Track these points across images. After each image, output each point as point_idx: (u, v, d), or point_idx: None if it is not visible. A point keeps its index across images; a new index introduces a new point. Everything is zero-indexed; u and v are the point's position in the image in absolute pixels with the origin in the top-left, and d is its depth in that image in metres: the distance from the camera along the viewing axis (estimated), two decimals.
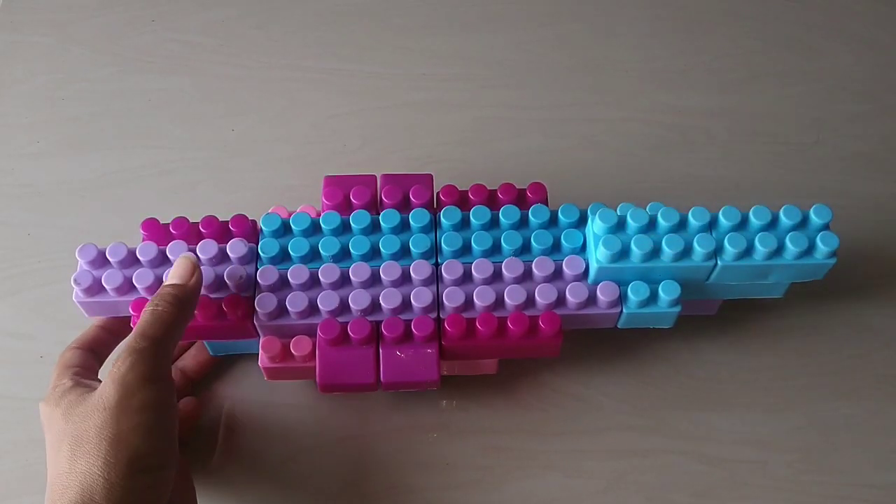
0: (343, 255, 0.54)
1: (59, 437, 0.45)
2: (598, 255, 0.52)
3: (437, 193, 0.57)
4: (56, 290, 0.63)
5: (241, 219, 0.55)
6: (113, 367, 0.46)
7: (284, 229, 0.55)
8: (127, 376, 0.45)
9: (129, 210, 0.67)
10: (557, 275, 0.54)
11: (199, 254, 0.53)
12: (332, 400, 0.58)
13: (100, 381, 0.49)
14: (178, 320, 0.49)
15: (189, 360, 0.58)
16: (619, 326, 0.55)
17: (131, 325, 0.52)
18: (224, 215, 0.56)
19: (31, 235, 0.66)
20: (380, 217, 0.55)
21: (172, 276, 0.50)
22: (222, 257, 0.53)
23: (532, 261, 0.54)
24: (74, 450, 0.44)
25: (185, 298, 0.49)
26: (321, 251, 0.53)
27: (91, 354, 0.53)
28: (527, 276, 0.54)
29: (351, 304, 0.52)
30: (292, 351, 0.52)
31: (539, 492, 0.55)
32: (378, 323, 0.52)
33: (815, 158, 0.70)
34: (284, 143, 0.72)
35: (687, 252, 0.52)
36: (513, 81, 0.75)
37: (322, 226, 0.54)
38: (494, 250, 0.54)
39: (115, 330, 0.55)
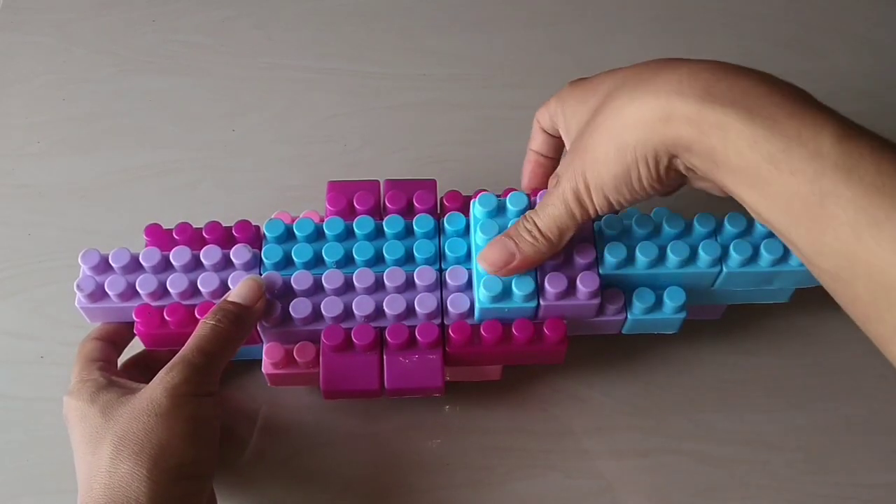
0: (347, 261, 0.54)
1: (97, 435, 0.46)
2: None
3: (441, 199, 0.57)
4: (56, 290, 0.63)
5: (244, 224, 0.55)
6: (166, 375, 0.47)
7: (288, 235, 0.54)
8: (180, 388, 0.46)
9: (129, 210, 0.67)
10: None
11: (202, 260, 0.53)
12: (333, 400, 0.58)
13: (128, 380, 0.50)
14: (236, 339, 0.50)
15: None
16: (623, 332, 0.55)
17: (134, 331, 0.53)
18: (224, 215, 0.56)
19: (31, 235, 0.66)
20: (384, 223, 0.55)
21: (237, 296, 0.50)
22: (226, 263, 0.53)
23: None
24: (119, 450, 0.44)
25: (246, 319, 0.50)
26: (325, 257, 0.53)
27: (111, 346, 0.54)
28: None
29: (355, 311, 0.52)
30: (296, 357, 0.52)
31: (539, 492, 0.56)
32: (382, 329, 0.52)
33: None
34: (284, 143, 0.72)
35: (692, 258, 0.52)
36: (513, 81, 0.75)
37: (326, 232, 0.54)
38: None
39: (126, 324, 0.55)
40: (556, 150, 0.57)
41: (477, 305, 0.52)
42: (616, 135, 0.44)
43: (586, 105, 0.48)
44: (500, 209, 0.53)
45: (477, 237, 0.52)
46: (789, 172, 0.38)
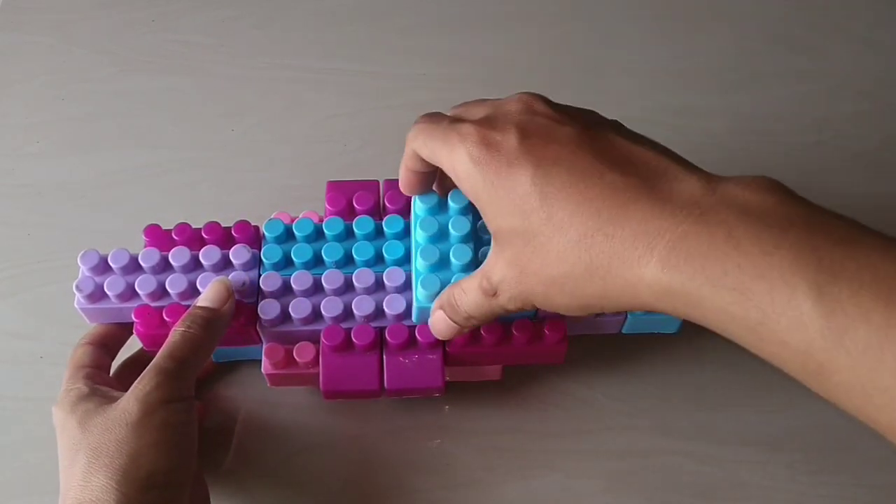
0: (346, 261, 0.54)
1: (75, 446, 0.45)
2: None
3: (383, 199, 0.57)
4: (56, 290, 0.63)
5: (243, 225, 0.55)
6: (138, 384, 0.46)
7: (287, 235, 0.55)
8: (151, 395, 0.46)
9: (129, 210, 0.67)
10: None
11: (202, 260, 0.53)
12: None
13: (114, 388, 0.50)
14: (207, 343, 0.49)
15: None
16: (623, 332, 0.55)
17: (134, 331, 0.53)
18: (224, 215, 0.56)
19: (31, 235, 0.66)
20: (383, 223, 0.55)
21: (205, 300, 0.50)
22: (225, 263, 0.53)
23: None
24: (91, 462, 0.44)
25: (215, 323, 0.50)
26: (324, 257, 0.53)
27: (103, 350, 0.54)
28: None
29: (354, 311, 0.52)
30: (296, 357, 0.52)
31: (539, 492, 0.56)
32: (382, 329, 0.52)
33: (815, 158, 0.70)
34: (284, 143, 0.72)
35: None
36: (513, 81, 0.75)
37: (325, 231, 0.54)
38: None
39: (125, 325, 0.55)
40: (434, 165, 0.48)
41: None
42: (578, 298, 0.41)
43: (520, 214, 0.41)
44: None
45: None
46: (777, 344, 0.35)
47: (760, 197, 0.37)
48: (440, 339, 0.51)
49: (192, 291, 0.52)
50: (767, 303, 0.35)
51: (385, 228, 0.54)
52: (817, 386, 0.36)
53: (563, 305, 0.42)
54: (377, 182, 0.58)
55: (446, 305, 0.48)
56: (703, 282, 0.36)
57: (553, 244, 0.40)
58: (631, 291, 0.39)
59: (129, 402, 0.46)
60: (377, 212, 0.56)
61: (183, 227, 0.55)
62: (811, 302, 0.34)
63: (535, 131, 0.42)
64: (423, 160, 0.48)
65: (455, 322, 0.48)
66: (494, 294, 0.44)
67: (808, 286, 0.34)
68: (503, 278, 0.43)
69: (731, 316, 0.36)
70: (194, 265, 0.53)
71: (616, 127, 0.44)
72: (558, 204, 0.40)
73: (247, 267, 0.53)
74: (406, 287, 0.53)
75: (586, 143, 0.41)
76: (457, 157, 0.43)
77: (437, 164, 0.46)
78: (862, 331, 0.33)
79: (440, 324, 0.49)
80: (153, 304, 0.52)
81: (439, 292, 0.50)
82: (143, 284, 0.52)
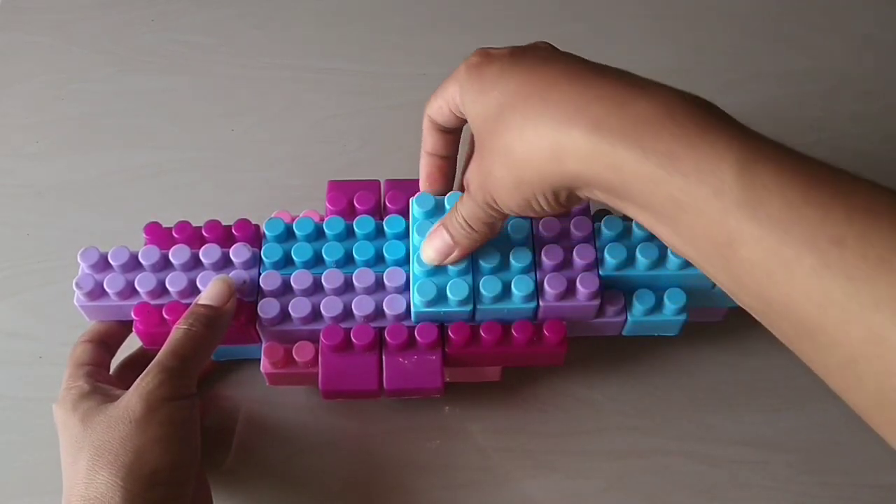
0: (347, 261, 0.54)
1: (77, 444, 0.45)
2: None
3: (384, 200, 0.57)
4: (56, 291, 0.63)
5: (244, 223, 0.55)
6: (141, 381, 0.46)
7: (288, 234, 0.54)
8: (154, 392, 0.46)
9: (128, 210, 0.67)
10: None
11: (202, 258, 0.53)
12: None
13: (114, 386, 0.50)
14: (210, 341, 0.49)
15: None
16: (624, 334, 0.55)
17: (133, 329, 0.53)
18: (224, 215, 0.56)
19: (30, 235, 0.66)
20: (384, 223, 0.55)
21: (207, 297, 0.50)
22: (225, 262, 0.53)
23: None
24: (95, 460, 0.44)
25: (217, 321, 0.50)
26: (325, 257, 0.53)
27: (103, 348, 0.54)
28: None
29: (354, 311, 0.52)
30: (295, 357, 0.52)
31: (539, 493, 0.56)
32: (381, 329, 0.52)
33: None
34: (284, 143, 0.72)
35: None
36: None
37: (326, 231, 0.54)
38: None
39: (125, 322, 0.55)
40: (452, 147, 0.54)
41: (480, 306, 0.52)
42: (512, 169, 0.42)
43: (487, 97, 0.43)
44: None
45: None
46: (694, 213, 0.36)
47: (707, 102, 0.39)
48: (428, 260, 0.51)
49: (192, 290, 0.52)
50: (692, 169, 0.36)
51: (386, 228, 0.54)
52: (723, 264, 0.37)
53: (503, 183, 0.43)
54: (378, 182, 0.58)
55: (448, 217, 0.49)
56: (632, 144, 0.37)
57: (502, 117, 0.42)
58: (555, 155, 0.39)
59: (133, 399, 0.46)
60: (378, 212, 0.56)
61: (183, 226, 0.55)
62: (734, 172, 0.35)
63: (531, 53, 0.44)
64: (439, 126, 0.51)
65: (450, 233, 0.49)
66: (468, 189, 0.46)
67: (735, 159, 0.35)
68: (471, 170, 0.46)
69: (654, 182, 0.37)
70: (194, 263, 0.53)
71: None
72: (515, 77, 0.42)
73: (247, 266, 0.53)
74: (406, 287, 0.53)
75: (573, 58, 0.43)
76: (456, 74, 0.46)
77: (449, 103, 0.48)
78: (776, 204, 0.34)
79: (435, 240, 0.50)
80: (153, 302, 0.52)
81: (436, 297, 0.50)
82: (143, 282, 0.52)
